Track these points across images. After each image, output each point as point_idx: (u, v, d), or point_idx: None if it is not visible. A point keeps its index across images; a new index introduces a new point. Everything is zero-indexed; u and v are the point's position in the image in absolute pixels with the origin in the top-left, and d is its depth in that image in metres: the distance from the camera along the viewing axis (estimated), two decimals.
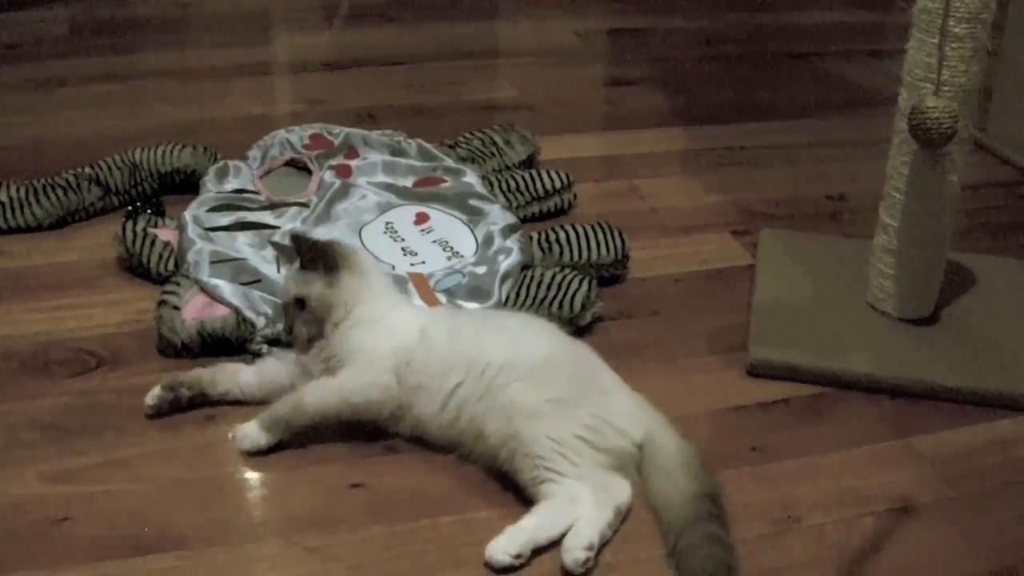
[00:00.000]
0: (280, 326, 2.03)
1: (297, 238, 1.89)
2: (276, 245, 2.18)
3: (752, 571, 1.61)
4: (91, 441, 1.83)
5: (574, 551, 1.59)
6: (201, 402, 1.90)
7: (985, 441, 1.91)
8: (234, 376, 1.92)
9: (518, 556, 1.59)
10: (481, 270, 2.24)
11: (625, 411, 1.76)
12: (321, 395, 1.79)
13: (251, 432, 1.79)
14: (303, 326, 1.88)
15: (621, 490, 1.69)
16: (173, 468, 1.78)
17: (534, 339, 1.84)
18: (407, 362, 1.81)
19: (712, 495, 1.67)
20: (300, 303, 1.88)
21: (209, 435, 1.86)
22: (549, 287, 2.15)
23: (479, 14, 4.34)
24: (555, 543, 1.62)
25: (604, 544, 1.64)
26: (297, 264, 1.91)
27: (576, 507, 1.64)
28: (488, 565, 1.60)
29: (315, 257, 1.88)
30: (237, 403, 1.91)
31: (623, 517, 1.68)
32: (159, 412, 1.87)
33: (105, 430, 1.86)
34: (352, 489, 1.74)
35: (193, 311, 2.07)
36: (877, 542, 1.67)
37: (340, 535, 1.65)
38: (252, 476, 1.78)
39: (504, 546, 1.60)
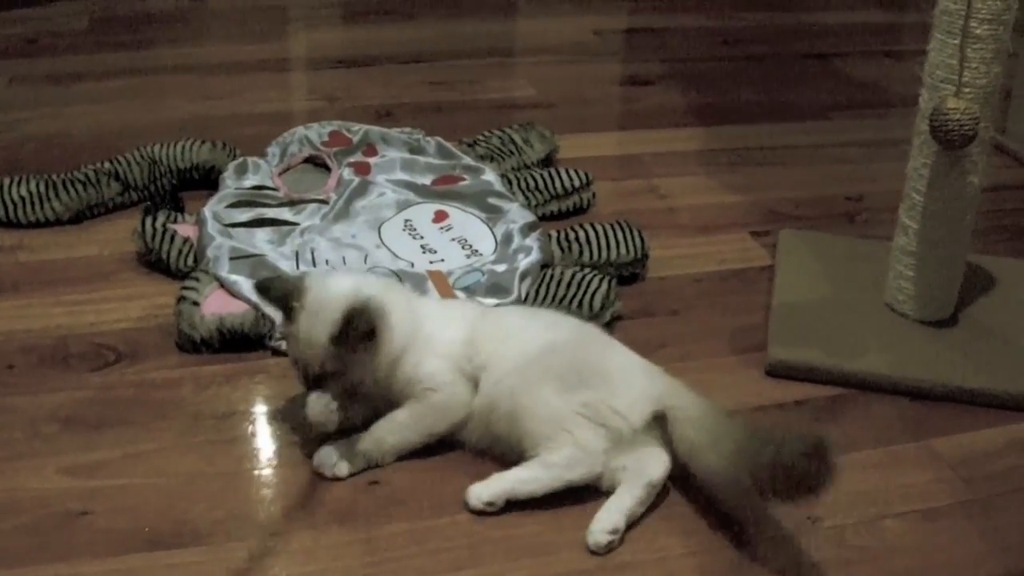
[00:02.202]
0: None
1: (351, 314, 1.68)
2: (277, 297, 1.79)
3: (772, 571, 1.61)
4: (110, 435, 1.83)
5: (596, 534, 1.61)
6: None
7: (1004, 443, 1.91)
8: None
9: (491, 504, 1.68)
10: (500, 268, 2.24)
11: (629, 396, 1.75)
12: (402, 435, 1.78)
13: (329, 459, 1.74)
14: (339, 389, 1.76)
15: (658, 464, 1.70)
16: (192, 463, 1.78)
17: (535, 327, 1.86)
18: (467, 358, 1.81)
19: (769, 430, 1.68)
20: (333, 374, 1.74)
21: (228, 430, 1.86)
22: (568, 286, 2.15)
23: (497, 12, 4.34)
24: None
25: (634, 522, 1.66)
26: (314, 330, 1.71)
27: (570, 470, 1.68)
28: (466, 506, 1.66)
29: (361, 334, 1.71)
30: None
31: (656, 491, 1.70)
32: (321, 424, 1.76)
33: (124, 424, 1.86)
34: (371, 486, 1.74)
35: (212, 307, 2.07)
36: (897, 544, 1.67)
37: (358, 532, 1.65)
38: (271, 472, 1.78)
39: (478, 492, 1.68)
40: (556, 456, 1.68)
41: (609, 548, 1.61)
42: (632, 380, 1.79)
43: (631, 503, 1.66)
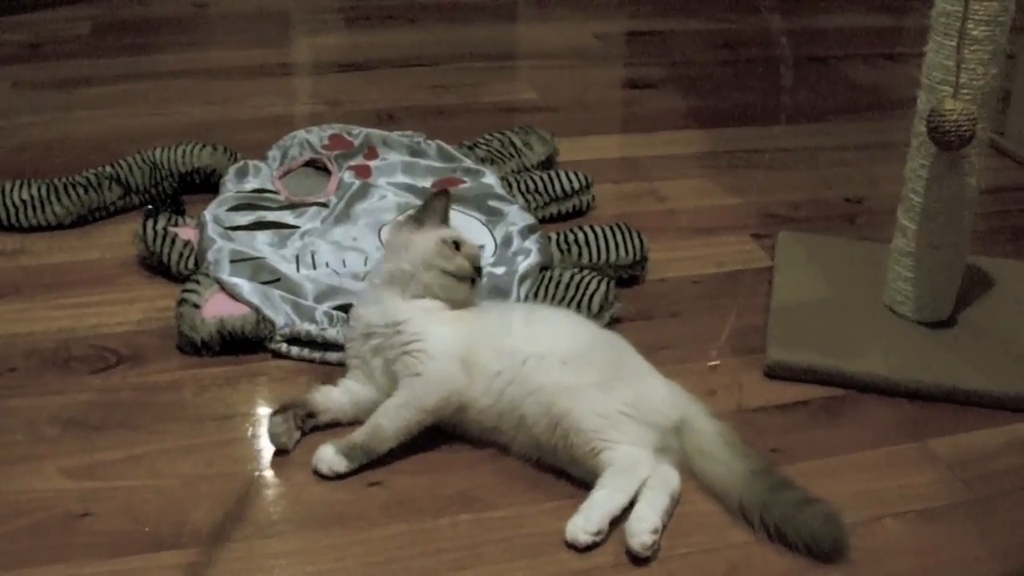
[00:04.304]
0: (303, 326, 2.05)
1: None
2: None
3: (770, 572, 1.61)
4: (112, 437, 1.84)
5: (641, 535, 1.61)
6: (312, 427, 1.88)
7: (1003, 444, 1.91)
8: (335, 400, 1.89)
9: (598, 533, 1.62)
10: (500, 270, 2.24)
11: (659, 394, 1.79)
12: (396, 416, 1.78)
13: (327, 456, 1.76)
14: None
15: (672, 477, 1.71)
16: (193, 464, 1.79)
17: (572, 329, 1.88)
18: (468, 347, 1.83)
19: (766, 467, 1.71)
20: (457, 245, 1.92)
21: (228, 432, 1.87)
22: (567, 288, 2.16)
23: (499, 16, 4.35)
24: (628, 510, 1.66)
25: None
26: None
27: (639, 469, 1.68)
28: (571, 546, 1.62)
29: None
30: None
31: (675, 504, 1.70)
32: (282, 442, 1.82)
33: (125, 426, 1.87)
34: (370, 487, 1.74)
35: (213, 309, 2.08)
36: (896, 544, 1.67)
37: (359, 533, 1.66)
38: (271, 473, 1.78)
39: (583, 525, 1.63)
40: (620, 458, 1.69)
41: (652, 550, 1.61)
42: (659, 381, 1.83)
43: (661, 507, 1.66)
